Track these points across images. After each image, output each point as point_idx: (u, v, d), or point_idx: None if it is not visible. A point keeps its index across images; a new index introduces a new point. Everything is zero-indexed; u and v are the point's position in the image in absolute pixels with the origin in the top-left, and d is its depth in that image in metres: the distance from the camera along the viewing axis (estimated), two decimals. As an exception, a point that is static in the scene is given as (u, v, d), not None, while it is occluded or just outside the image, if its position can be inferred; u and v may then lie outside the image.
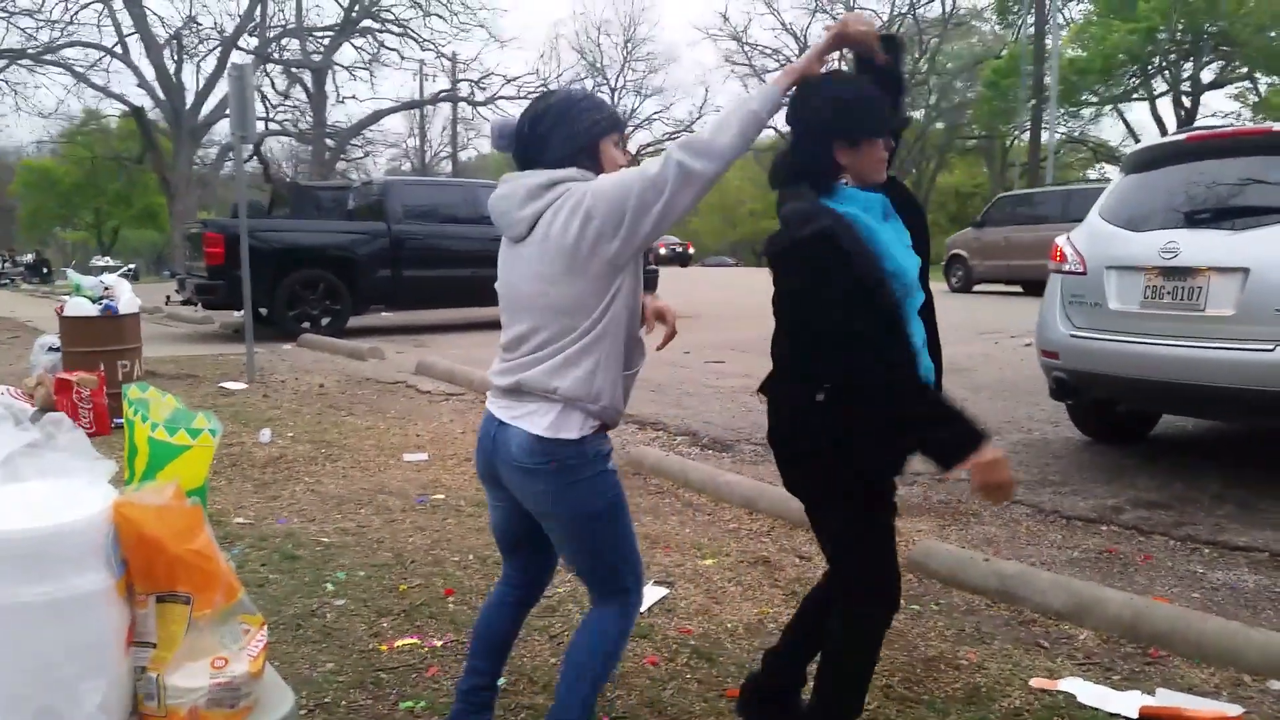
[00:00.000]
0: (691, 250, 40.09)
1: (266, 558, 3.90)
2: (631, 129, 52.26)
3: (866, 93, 2.09)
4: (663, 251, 34.13)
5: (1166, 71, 35.79)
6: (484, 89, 37.11)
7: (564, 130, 2.07)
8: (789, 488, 2.31)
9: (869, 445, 2.06)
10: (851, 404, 2.01)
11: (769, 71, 46.74)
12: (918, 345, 2.06)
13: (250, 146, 12.47)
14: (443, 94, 39.01)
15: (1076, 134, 40.85)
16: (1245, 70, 34.94)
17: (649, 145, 53.15)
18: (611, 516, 2.13)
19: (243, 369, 8.80)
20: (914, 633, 3.17)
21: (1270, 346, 4.20)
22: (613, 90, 51.51)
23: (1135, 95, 37.00)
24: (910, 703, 2.71)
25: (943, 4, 44.39)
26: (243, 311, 9.08)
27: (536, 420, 2.02)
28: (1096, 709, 2.65)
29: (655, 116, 52.56)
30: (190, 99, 32.14)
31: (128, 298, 7.15)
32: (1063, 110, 33.63)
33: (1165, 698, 2.69)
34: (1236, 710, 2.61)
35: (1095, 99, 36.70)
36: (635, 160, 2.17)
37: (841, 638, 2.22)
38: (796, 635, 2.48)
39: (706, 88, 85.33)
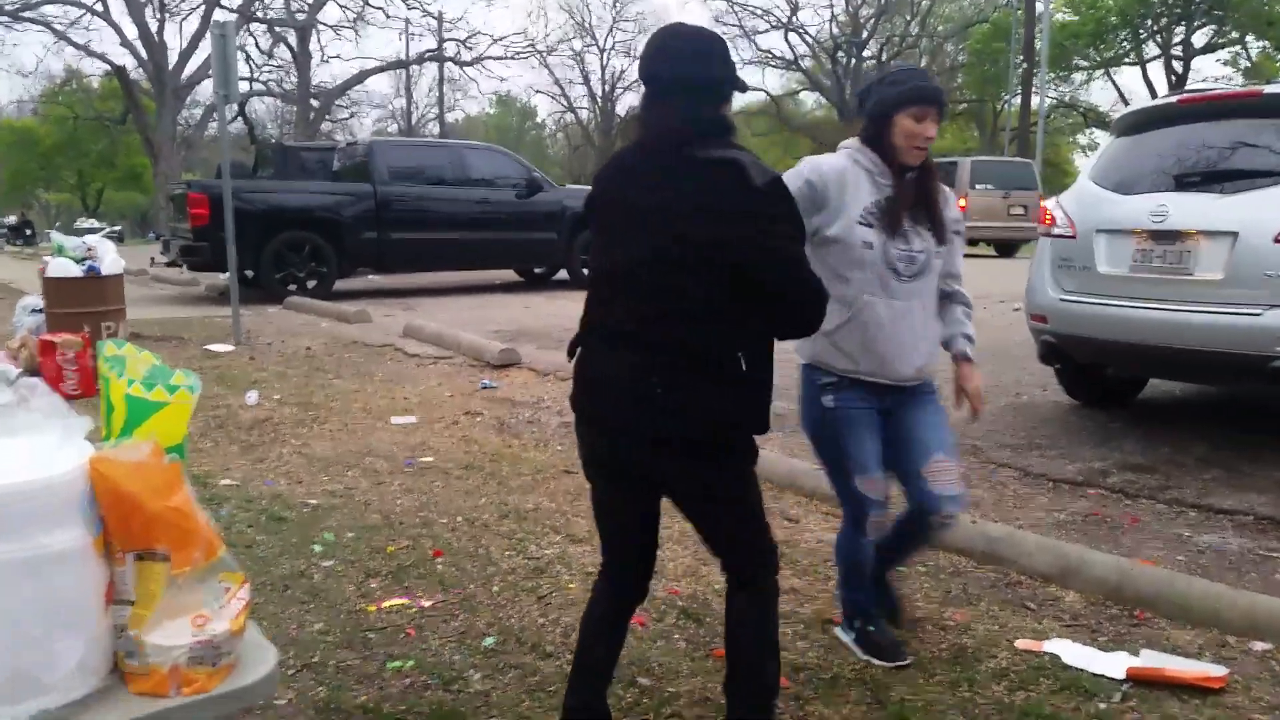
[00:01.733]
0: None
1: (254, 519, 3.88)
2: (620, 91, 51.82)
3: None
4: None
5: (1158, 36, 35.63)
6: (470, 48, 36.82)
7: None
8: (664, 485, 2.11)
9: (767, 397, 2.04)
10: (765, 357, 2.00)
11: (759, 33, 46.26)
12: None
13: (234, 107, 12.31)
14: (429, 54, 38.55)
15: (1067, 98, 40.70)
16: (1236, 35, 34.81)
17: (636, 108, 52.59)
18: None
19: (229, 331, 8.74)
20: (901, 594, 3.18)
21: (1259, 311, 4.20)
22: (601, 51, 51.02)
23: (1126, 60, 36.88)
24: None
25: (935, -34, 44.01)
26: (228, 274, 9.02)
27: None
28: (1082, 670, 2.66)
29: (644, 79, 52.05)
30: (173, 58, 31.62)
31: (111, 259, 7.09)
32: (1053, 75, 33.48)
33: (1150, 659, 2.71)
34: (1220, 671, 2.62)
35: (1086, 63, 36.55)
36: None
37: (764, 609, 2.17)
38: (607, 647, 2.27)
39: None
